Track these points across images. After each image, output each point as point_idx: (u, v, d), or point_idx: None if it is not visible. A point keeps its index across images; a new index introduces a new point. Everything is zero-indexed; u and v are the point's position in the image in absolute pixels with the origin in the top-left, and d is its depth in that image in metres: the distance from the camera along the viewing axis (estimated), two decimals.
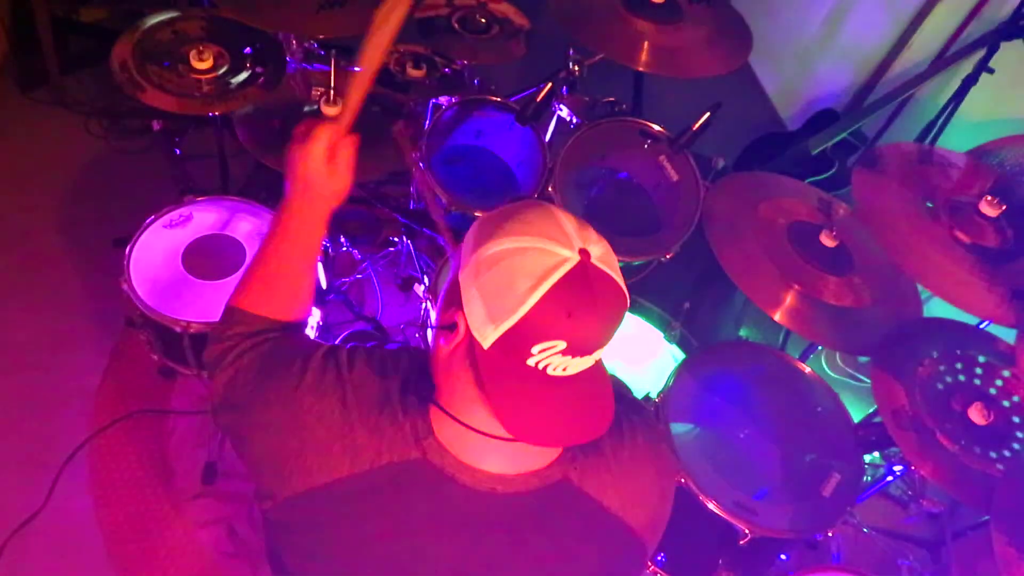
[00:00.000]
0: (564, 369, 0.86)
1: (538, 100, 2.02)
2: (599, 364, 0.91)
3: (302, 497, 0.93)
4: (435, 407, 0.93)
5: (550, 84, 2.02)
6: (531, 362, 0.85)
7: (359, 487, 0.92)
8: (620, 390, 1.03)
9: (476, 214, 2.05)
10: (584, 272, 0.84)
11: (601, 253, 0.87)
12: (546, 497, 0.95)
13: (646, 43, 2.06)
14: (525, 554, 0.96)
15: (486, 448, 0.92)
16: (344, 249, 2.52)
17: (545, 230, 0.86)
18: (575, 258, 0.84)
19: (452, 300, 0.90)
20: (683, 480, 1.67)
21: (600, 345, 0.87)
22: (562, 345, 0.84)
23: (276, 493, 0.94)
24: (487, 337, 0.85)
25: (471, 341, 0.87)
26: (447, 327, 0.90)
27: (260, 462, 0.96)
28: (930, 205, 1.78)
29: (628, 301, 0.89)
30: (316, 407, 0.94)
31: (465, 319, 0.87)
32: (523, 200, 0.94)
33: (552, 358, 0.84)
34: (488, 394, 0.87)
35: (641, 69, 2.04)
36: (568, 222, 0.87)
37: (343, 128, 1.05)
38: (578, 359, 0.86)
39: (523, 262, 0.84)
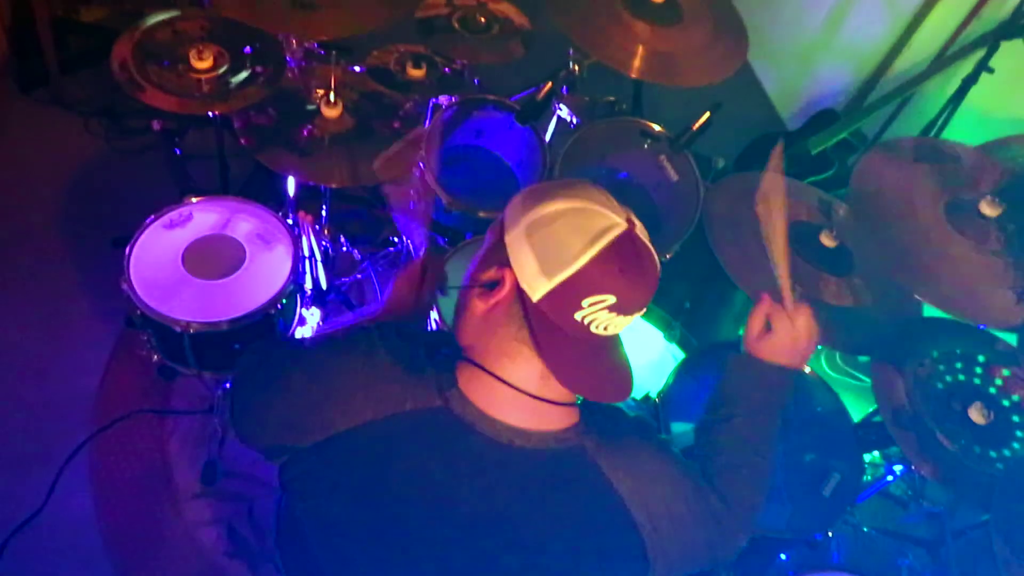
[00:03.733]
0: (606, 328, 0.91)
1: (538, 100, 2.02)
2: (619, 337, 0.96)
3: (322, 445, 0.95)
4: (464, 363, 0.96)
5: (550, 84, 2.01)
6: (578, 316, 0.89)
7: (380, 433, 0.94)
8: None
9: (479, 214, 2.05)
10: (631, 238, 0.91)
11: (640, 227, 0.93)
12: (561, 459, 0.97)
13: (641, 48, 2.03)
14: (536, 511, 0.97)
15: (510, 402, 0.94)
16: (344, 249, 2.52)
17: (596, 197, 0.92)
18: (624, 224, 0.90)
19: (493, 260, 0.94)
20: None
21: (641, 307, 0.92)
22: (611, 300, 0.88)
23: (296, 445, 0.96)
24: (538, 290, 0.89)
25: (516, 296, 0.91)
26: (487, 285, 0.94)
27: (281, 421, 0.98)
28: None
29: (659, 276, 0.94)
30: (336, 360, 0.98)
31: (512, 275, 0.91)
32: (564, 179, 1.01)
33: (599, 314, 0.89)
34: (539, 345, 0.91)
35: (635, 76, 2.01)
36: (611, 198, 0.94)
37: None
38: (620, 318, 0.91)
39: (579, 220, 0.90)
